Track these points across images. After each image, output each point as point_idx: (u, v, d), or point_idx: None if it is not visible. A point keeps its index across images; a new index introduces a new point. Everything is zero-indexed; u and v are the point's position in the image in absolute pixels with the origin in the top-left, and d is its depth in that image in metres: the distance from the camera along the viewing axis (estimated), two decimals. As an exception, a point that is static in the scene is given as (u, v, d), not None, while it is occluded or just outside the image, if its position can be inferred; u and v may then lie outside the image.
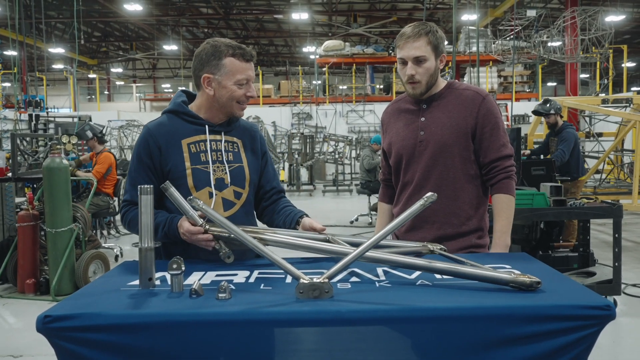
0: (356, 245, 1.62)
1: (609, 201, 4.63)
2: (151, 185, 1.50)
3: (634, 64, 28.95)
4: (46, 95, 16.12)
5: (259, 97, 19.68)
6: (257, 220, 2.13)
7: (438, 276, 1.55)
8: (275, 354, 1.28)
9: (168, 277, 1.47)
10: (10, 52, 13.78)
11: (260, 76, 20.96)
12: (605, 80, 16.42)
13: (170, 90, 35.03)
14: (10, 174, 5.98)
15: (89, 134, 6.79)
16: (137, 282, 1.51)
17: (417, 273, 1.59)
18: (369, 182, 8.87)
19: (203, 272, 1.65)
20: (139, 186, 1.49)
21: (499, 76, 19.52)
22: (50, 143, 6.79)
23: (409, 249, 1.82)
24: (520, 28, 14.08)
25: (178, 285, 1.44)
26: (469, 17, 17.65)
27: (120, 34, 27.01)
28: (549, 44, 13.64)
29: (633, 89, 29.79)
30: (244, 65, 1.91)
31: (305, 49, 25.03)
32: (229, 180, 1.96)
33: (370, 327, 1.28)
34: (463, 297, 1.36)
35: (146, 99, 27.41)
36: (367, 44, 21.29)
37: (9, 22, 13.44)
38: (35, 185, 6.20)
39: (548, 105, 6.44)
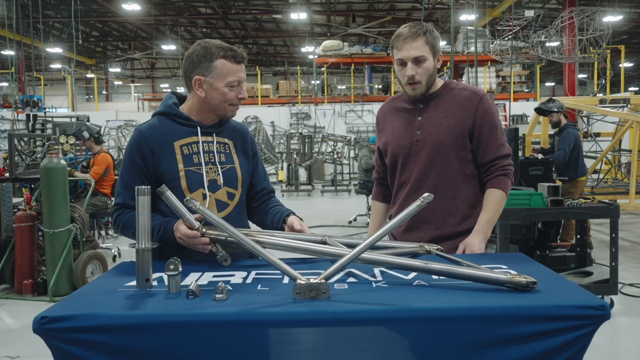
0: (353, 246, 1.62)
1: (606, 201, 4.64)
2: (148, 187, 1.50)
3: (631, 64, 29.01)
4: (44, 95, 16.12)
5: (257, 97, 19.69)
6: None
7: (435, 276, 1.55)
8: (273, 354, 1.28)
9: (165, 278, 1.48)
10: (8, 52, 13.77)
11: (259, 76, 20.94)
12: (603, 80, 16.46)
13: (169, 90, 34.92)
14: (7, 174, 5.97)
15: (86, 134, 6.78)
16: (134, 283, 1.51)
17: (414, 273, 1.59)
18: (368, 182, 8.87)
19: (200, 273, 1.66)
20: (136, 187, 1.49)
21: (498, 76, 19.55)
22: (47, 143, 6.80)
23: (406, 249, 1.83)
24: (518, 28, 14.11)
25: (175, 286, 1.44)
26: (467, 17, 17.66)
27: (118, 34, 26.98)
28: (547, 44, 13.66)
29: (630, 89, 29.85)
30: (235, 67, 1.90)
31: (303, 49, 25.02)
32: (222, 182, 1.97)
33: (367, 327, 1.29)
34: (459, 298, 1.36)
35: (144, 99, 27.38)
36: (366, 44, 21.31)
37: (7, 21, 13.43)
38: (32, 186, 6.19)
39: (550, 103, 6.46)
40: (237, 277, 1.61)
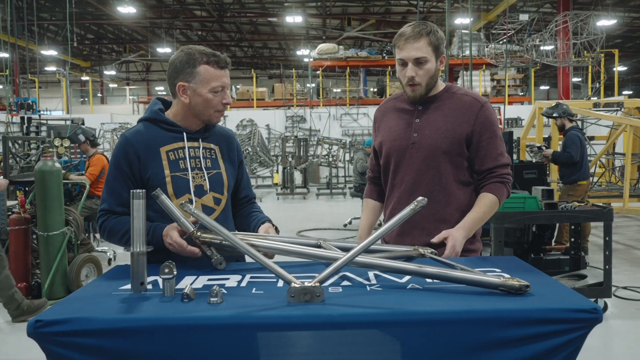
0: (347, 250, 1.63)
1: (600, 204, 4.67)
2: (143, 190, 1.50)
3: (625, 68, 29.21)
4: (38, 98, 16.04)
5: (253, 100, 19.68)
6: None
7: (429, 280, 1.56)
8: (267, 357, 1.29)
9: (160, 281, 1.48)
10: (2, 54, 13.70)
11: (254, 79, 20.94)
12: (597, 84, 16.54)
13: (164, 92, 34.94)
14: (2, 177, 5.94)
15: (82, 137, 6.76)
16: (129, 286, 1.51)
17: (408, 277, 1.59)
18: (363, 185, 8.88)
19: (195, 277, 1.66)
20: (131, 191, 1.50)
21: (492, 80, 19.64)
22: (42, 146, 6.77)
23: (400, 253, 1.84)
24: (513, 32, 14.18)
25: (170, 290, 1.45)
26: (462, 20, 17.74)
27: (113, 37, 26.94)
28: (542, 48, 13.73)
29: (624, 92, 30.01)
30: (218, 72, 1.91)
31: (299, 52, 25.05)
32: (208, 187, 1.98)
33: (362, 330, 1.29)
34: (453, 301, 1.37)
35: (139, 102, 27.29)
36: (361, 47, 21.34)
37: (1, 23, 13.38)
38: (27, 189, 6.17)
39: (552, 109, 6.58)
40: (232, 280, 1.61)
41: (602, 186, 9.31)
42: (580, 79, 18.61)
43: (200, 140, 2.01)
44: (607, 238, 4.28)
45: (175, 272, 1.44)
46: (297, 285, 1.36)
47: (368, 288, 1.51)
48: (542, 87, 33.92)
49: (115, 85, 35.05)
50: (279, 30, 25.80)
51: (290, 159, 14.36)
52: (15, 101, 11.28)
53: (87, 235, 6.24)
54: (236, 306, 1.34)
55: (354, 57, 19.58)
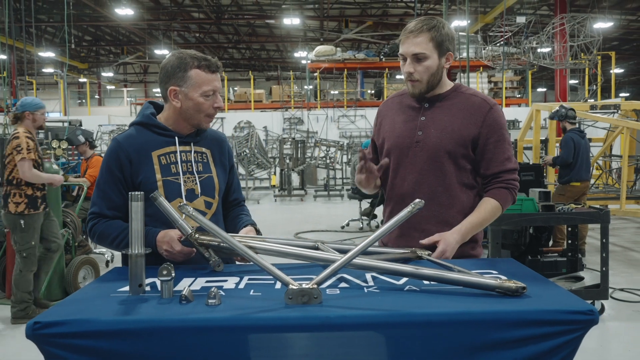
0: (345, 252, 1.63)
1: (597, 206, 4.69)
2: (142, 192, 1.51)
3: (622, 71, 29.28)
4: (36, 100, 16.01)
5: (250, 101, 19.69)
6: None
7: (426, 282, 1.56)
8: (265, 359, 1.29)
9: (158, 283, 1.48)
10: (0, 56, 13.69)
11: (252, 81, 20.95)
12: (594, 86, 16.59)
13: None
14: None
15: (81, 138, 6.75)
16: (127, 288, 1.51)
17: (405, 279, 1.60)
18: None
19: (193, 278, 1.66)
20: (130, 193, 1.51)
21: (490, 82, 19.68)
22: (40, 148, 6.74)
23: (397, 255, 1.84)
24: (510, 34, 14.22)
25: (168, 292, 1.45)
26: (459, 23, 17.77)
27: (111, 38, 26.91)
28: (539, 50, 13.77)
29: (621, 95, 30.11)
30: (209, 76, 1.91)
31: (296, 54, 25.06)
32: (199, 191, 1.99)
33: (359, 332, 1.30)
34: (450, 303, 1.38)
35: (137, 103, 27.26)
36: (359, 50, 21.36)
37: (-1, 25, 13.38)
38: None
39: (553, 112, 6.82)
40: (230, 282, 1.61)
41: (599, 188, 9.33)
42: (577, 81, 18.68)
43: (192, 144, 2.01)
44: (604, 240, 4.29)
45: (173, 274, 1.44)
46: (294, 287, 1.37)
47: (365, 290, 1.52)
48: (539, 89, 33.98)
49: (113, 87, 35.00)
50: (277, 32, 25.81)
51: (287, 161, 14.36)
52: (12, 103, 11.27)
53: (84, 237, 6.23)
54: (234, 308, 1.35)
55: (351, 59, 19.61)
